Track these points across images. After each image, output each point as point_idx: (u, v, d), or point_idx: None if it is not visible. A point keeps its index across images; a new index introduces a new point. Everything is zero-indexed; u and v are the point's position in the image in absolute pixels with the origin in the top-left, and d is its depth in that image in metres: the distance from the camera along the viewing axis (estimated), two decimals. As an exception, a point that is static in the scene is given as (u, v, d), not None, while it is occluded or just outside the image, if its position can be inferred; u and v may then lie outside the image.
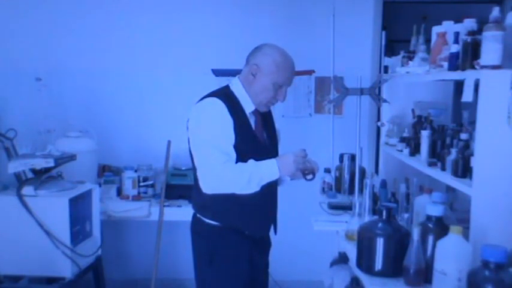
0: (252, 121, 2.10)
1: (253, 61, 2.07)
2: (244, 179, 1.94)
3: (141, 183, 3.49)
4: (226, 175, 1.96)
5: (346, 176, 2.95)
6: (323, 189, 3.05)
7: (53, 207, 2.73)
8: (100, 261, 3.19)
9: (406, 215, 2.30)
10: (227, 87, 2.12)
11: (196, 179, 2.14)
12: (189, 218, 2.21)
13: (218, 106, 1.99)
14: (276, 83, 2.05)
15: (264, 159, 2.00)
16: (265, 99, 2.08)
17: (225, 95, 2.05)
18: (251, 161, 1.98)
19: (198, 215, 2.13)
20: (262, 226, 2.20)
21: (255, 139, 2.08)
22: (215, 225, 2.08)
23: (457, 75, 1.90)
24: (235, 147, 1.99)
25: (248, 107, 2.08)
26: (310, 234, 2.87)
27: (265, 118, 2.20)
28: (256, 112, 2.12)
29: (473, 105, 1.71)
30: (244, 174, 1.95)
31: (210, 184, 1.99)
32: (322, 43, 3.30)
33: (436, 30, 2.27)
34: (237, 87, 2.10)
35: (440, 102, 2.82)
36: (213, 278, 2.09)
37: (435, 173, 2.07)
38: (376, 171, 3.35)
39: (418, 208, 2.10)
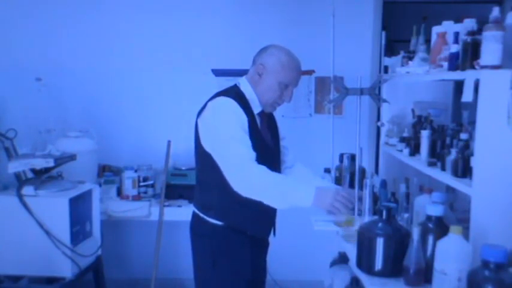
0: (258, 122, 2.10)
1: (260, 61, 2.08)
2: (278, 191, 1.89)
3: (141, 183, 3.50)
4: (261, 179, 1.89)
5: (346, 176, 2.94)
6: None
7: (53, 207, 2.73)
8: (100, 261, 3.19)
9: (406, 215, 2.29)
10: (236, 86, 2.11)
11: (198, 178, 2.14)
12: (189, 218, 2.20)
13: (234, 105, 1.99)
14: (282, 83, 2.06)
15: (269, 160, 1.99)
16: (271, 99, 2.09)
17: (237, 95, 2.04)
18: (291, 177, 1.96)
19: (200, 215, 2.11)
20: (265, 228, 2.21)
21: (261, 140, 2.08)
22: (218, 225, 2.07)
23: (457, 75, 1.89)
24: None
25: (256, 107, 2.09)
26: (310, 234, 2.86)
27: (270, 119, 2.20)
28: (261, 113, 2.12)
29: (473, 105, 1.71)
30: (279, 186, 1.89)
31: (242, 184, 1.91)
32: (322, 43, 3.30)
33: (436, 30, 2.27)
34: (245, 87, 2.10)
35: (440, 102, 2.81)
36: (217, 280, 2.08)
37: (435, 173, 2.07)
38: (376, 171, 3.34)
39: (418, 208, 2.09)
